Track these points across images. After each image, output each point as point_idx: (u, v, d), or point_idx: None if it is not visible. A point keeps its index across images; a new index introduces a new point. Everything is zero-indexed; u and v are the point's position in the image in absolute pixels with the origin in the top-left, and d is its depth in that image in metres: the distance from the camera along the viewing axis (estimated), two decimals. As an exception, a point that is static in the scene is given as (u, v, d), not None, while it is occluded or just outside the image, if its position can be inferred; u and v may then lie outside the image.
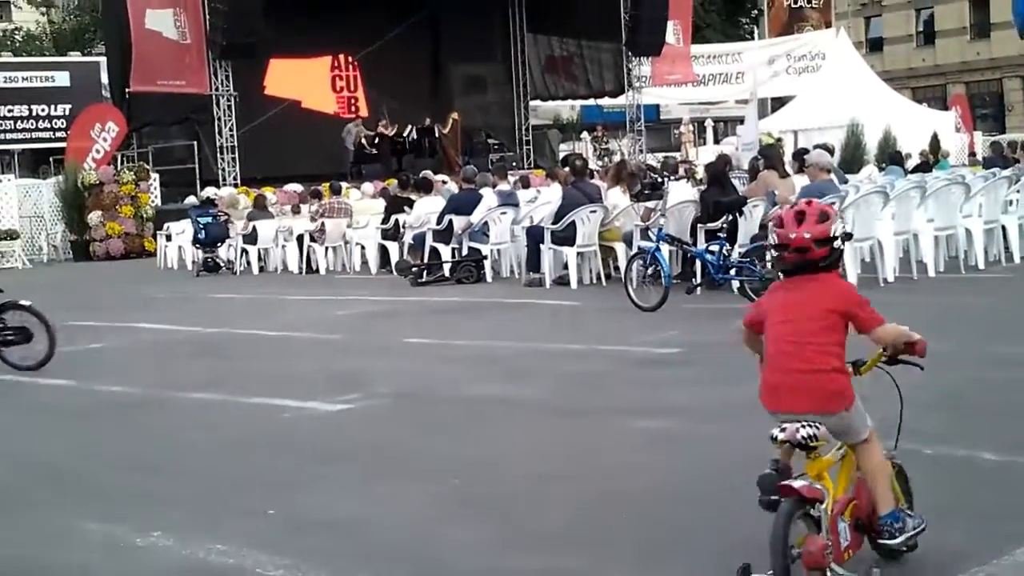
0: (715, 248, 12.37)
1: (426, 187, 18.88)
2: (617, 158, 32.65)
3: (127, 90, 30.78)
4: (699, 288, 12.83)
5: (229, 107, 30.21)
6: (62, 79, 40.20)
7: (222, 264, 21.03)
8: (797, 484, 4.05)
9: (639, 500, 5.48)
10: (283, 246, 20.77)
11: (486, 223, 16.67)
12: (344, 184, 23.99)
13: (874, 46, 62.51)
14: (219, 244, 21.16)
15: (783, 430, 4.18)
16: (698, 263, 12.97)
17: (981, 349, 8.94)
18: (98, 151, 30.32)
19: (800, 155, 16.86)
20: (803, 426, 4.18)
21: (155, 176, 29.40)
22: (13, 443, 7.60)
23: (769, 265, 11.65)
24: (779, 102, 42.01)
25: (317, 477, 6.24)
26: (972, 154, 36.31)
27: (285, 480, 6.18)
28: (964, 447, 5.98)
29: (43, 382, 9.96)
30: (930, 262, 13.52)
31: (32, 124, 39.80)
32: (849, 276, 12.55)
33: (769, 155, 15.14)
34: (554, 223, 14.90)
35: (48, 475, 6.63)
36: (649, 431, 6.86)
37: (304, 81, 35.68)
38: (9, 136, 40.03)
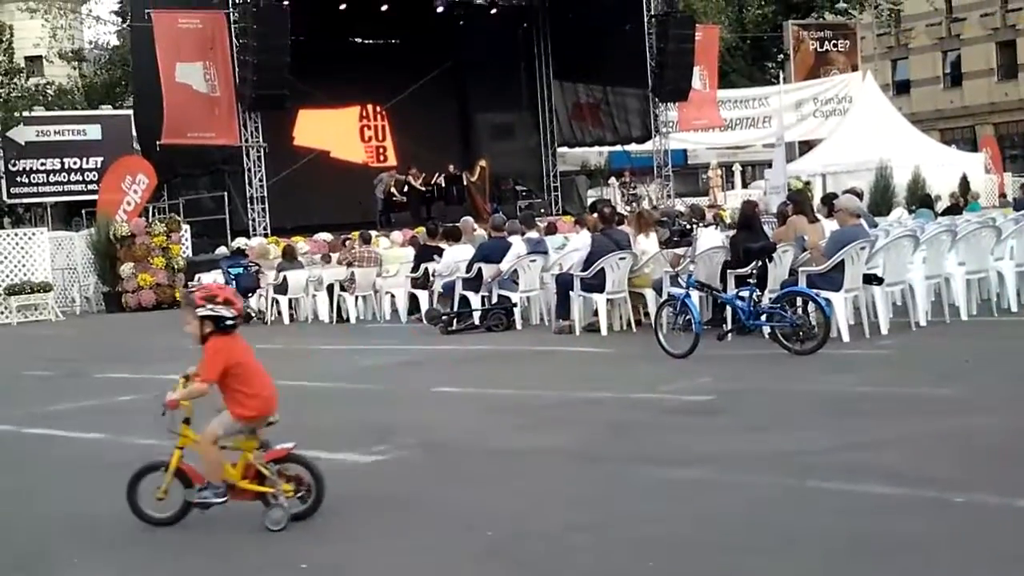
0: (745, 294, 12.31)
1: (455, 235, 18.92)
2: (646, 203, 32.75)
3: (158, 143, 31.08)
4: (730, 334, 12.79)
5: (259, 158, 30.45)
6: (94, 132, 40.58)
7: (253, 314, 21.10)
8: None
9: (669, 550, 5.44)
10: (313, 295, 20.83)
11: (515, 271, 16.68)
12: (373, 233, 24.10)
13: (901, 88, 62.58)
14: (250, 294, 21.25)
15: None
16: (728, 309, 12.94)
17: (1013, 394, 8.86)
18: (129, 203, 30.56)
19: (829, 200, 16.83)
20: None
21: (186, 227, 29.59)
22: (47, 499, 7.62)
23: (800, 315, 11.61)
24: (807, 145, 42.02)
25: (349, 530, 6.21)
26: (1003, 195, 36.16)
27: (317, 533, 6.16)
28: (996, 494, 5.90)
29: (75, 436, 10.00)
30: (962, 305, 13.43)
31: (64, 177, 40.14)
32: (881, 320, 12.51)
33: (798, 200, 15.12)
34: (583, 270, 14.90)
35: (81, 531, 6.63)
36: (680, 481, 6.82)
37: (333, 131, 35.99)
38: (42, 189, 40.38)
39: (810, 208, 14.71)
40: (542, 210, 34.72)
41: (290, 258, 22.03)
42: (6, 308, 26.23)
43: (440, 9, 36.22)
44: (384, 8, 35.41)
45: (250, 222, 30.18)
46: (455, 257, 17.64)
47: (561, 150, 41.90)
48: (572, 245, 17.90)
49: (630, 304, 15.20)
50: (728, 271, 13.81)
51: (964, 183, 30.97)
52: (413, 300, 18.89)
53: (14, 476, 8.50)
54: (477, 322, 16.64)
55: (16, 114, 39.68)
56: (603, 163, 49.81)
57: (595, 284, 14.83)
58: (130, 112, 41.12)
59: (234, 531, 6.38)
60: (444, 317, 16.84)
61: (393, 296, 19.59)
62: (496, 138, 40.64)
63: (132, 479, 6.51)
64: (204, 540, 6.25)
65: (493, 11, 37.34)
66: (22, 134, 39.51)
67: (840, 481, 6.38)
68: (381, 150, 38.16)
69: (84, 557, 6.06)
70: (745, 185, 46.04)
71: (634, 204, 35.02)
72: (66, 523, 6.83)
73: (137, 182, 31.02)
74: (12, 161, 39.61)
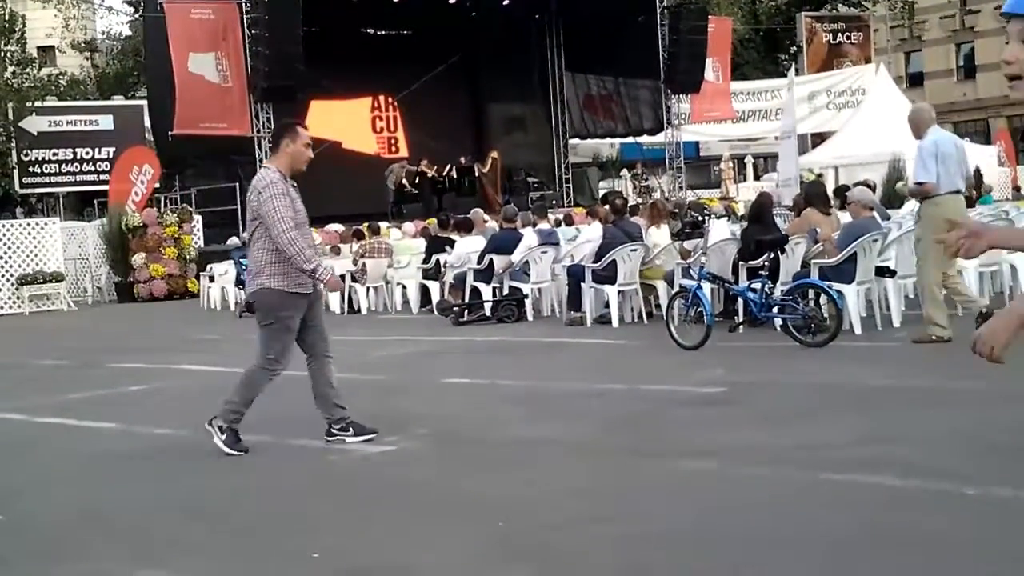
0: (757, 286, 12.31)
1: (467, 227, 18.93)
2: (657, 195, 32.73)
3: (169, 133, 31.15)
4: (741, 326, 12.79)
5: (271, 148, 30.44)
6: (106, 123, 40.70)
7: (264, 305, 21.12)
8: None
9: (681, 542, 5.43)
10: (324, 286, 20.83)
11: (527, 262, 16.68)
12: (384, 224, 24.12)
13: (914, 81, 62.39)
14: (261, 285, 21.26)
15: None
16: (740, 301, 12.93)
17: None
18: (137, 194, 30.68)
19: (842, 192, 16.80)
20: None
21: (198, 218, 29.66)
22: (60, 489, 7.64)
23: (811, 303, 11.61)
24: (819, 138, 41.93)
25: (361, 520, 6.22)
26: (1016, 188, 36.05)
27: (329, 523, 6.17)
28: (1010, 487, 5.88)
29: (88, 425, 10.03)
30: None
31: (77, 167, 40.27)
32: (893, 313, 12.49)
33: (812, 192, 15.10)
34: (595, 262, 14.89)
35: (95, 521, 6.65)
36: (692, 472, 6.81)
37: (345, 122, 36.01)
38: (54, 179, 40.49)
39: (824, 200, 14.68)
40: (554, 202, 34.73)
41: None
42: (18, 298, 26.33)
43: (453, 0, 36.18)
44: (396, -1, 35.42)
45: (262, 213, 30.16)
46: (466, 248, 17.66)
47: (573, 142, 41.88)
48: (584, 237, 17.88)
49: (642, 296, 15.20)
50: (740, 263, 13.79)
51: (977, 176, 30.84)
52: (424, 291, 18.91)
53: (27, 466, 8.53)
54: (488, 313, 16.65)
55: (29, 104, 39.80)
56: (615, 155, 49.78)
57: (607, 276, 14.83)
58: (142, 102, 41.26)
59: (246, 521, 6.39)
60: (455, 308, 16.86)
61: (404, 287, 19.61)
62: (508, 130, 40.64)
63: None
64: (216, 530, 6.26)
65: (506, 2, 37.30)
66: (34, 124, 39.65)
67: (853, 473, 6.37)
68: (393, 141, 38.18)
69: (96, 547, 6.07)
70: (757, 177, 45.95)
71: (646, 196, 35.03)
72: (80, 513, 6.84)
73: (143, 172, 31.15)
74: (25, 151, 39.75)
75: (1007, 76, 3.11)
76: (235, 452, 7.96)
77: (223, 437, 7.99)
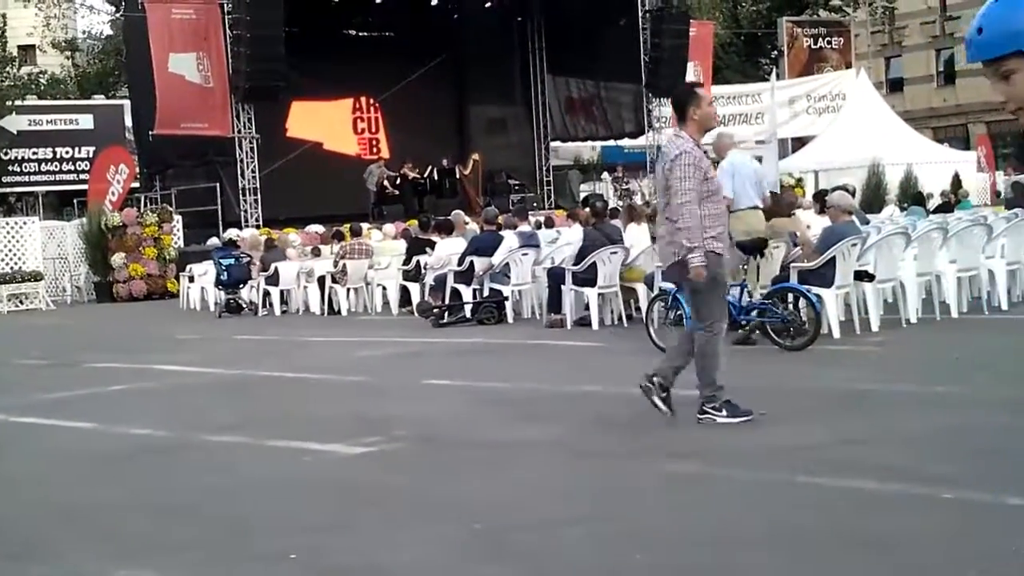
0: (736, 290, 12.32)
1: (447, 228, 18.93)
2: (637, 199, 32.75)
3: (150, 133, 31.05)
4: (720, 330, 12.79)
5: (251, 149, 30.42)
6: (86, 122, 40.54)
7: (244, 305, 21.10)
8: None
9: (661, 543, 5.44)
10: (305, 287, 20.82)
11: (507, 264, 16.68)
12: (365, 225, 24.09)
13: (895, 86, 62.58)
14: (241, 285, 21.25)
15: None
16: (719, 304, 12.92)
17: (1003, 392, 8.87)
18: (113, 193, 30.63)
19: (821, 196, 16.86)
20: None
21: (178, 218, 29.57)
22: (36, 488, 7.61)
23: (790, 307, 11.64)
24: (800, 142, 42.03)
25: (339, 521, 6.22)
26: (997, 193, 36.25)
27: (307, 524, 6.16)
28: (987, 491, 5.91)
29: (65, 425, 10.00)
30: (953, 303, 13.47)
31: (56, 167, 40.11)
32: (872, 317, 12.53)
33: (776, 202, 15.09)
34: (575, 264, 14.91)
35: (72, 521, 6.63)
36: (672, 474, 6.83)
37: (326, 123, 35.98)
38: (33, 179, 40.32)
39: (789, 205, 14.85)
40: (535, 204, 34.71)
41: (270, 248, 22.09)
42: (-3, 297, 26.19)
43: (435, 2, 36.18)
44: (379, 0, 35.37)
45: (242, 213, 30.15)
46: (447, 250, 17.65)
47: (554, 144, 41.88)
48: (564, 239, 17.91)
49: (621, 298, 15.22)
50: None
51: (956, 181, 31.03)
52: (404, 293, 18.90)
53: (5, 465, 8.49)
54: (468, 315, 16.65)
55: (8, 103, 39.62)
56: (596, 158, 49.80)
57: (587, 278, 14.85)
58: (122, 102, 41.16)
59: (223, 521, 6.38)
60: (435, 310, 16.85)
61: (384, 288, 19.59)
62: (490, 132, 40.61)
63: None
64: (194, 530, 6.24)
65: (488, 5, 37.30)
66: (14, 123, 39.49)
67: (830, 476, 6.40)
68: (374, 142, 38.15)
69: (75, 547, 6.05)
70: (738, 181, 46.05)
71: (627, 199, 35.06)
72: (58, 513, 6.82)
73: (119, 172, 31.12)
74: (4, 150, 39.58)
75: (1011, 112, 3.16)
76: (737, 419, 8.02)
77: (722, 413, 8.08)
